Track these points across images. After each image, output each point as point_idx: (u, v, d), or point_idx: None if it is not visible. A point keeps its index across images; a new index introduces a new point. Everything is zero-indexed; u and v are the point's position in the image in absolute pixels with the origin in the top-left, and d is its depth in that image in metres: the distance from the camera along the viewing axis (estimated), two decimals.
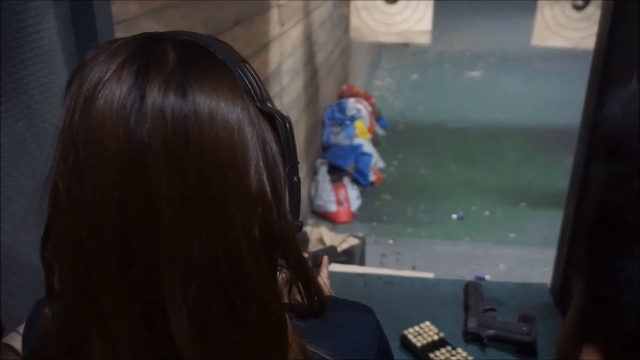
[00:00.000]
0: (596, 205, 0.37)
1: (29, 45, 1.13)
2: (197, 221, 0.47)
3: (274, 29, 2.84)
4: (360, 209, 4.05)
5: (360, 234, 2.86)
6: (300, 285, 0.57)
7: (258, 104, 0.51)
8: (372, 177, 4.36)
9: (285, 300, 0.58)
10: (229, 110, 0.48)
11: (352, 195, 4.04)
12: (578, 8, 3.30)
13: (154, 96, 0.46)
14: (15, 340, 1.03)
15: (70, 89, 0.49)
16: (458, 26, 9.27)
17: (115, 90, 0.46)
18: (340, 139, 4.41)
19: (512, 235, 3.72)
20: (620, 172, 0.35)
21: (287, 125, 0.53)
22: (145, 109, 0.45)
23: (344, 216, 3.90)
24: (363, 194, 4.18)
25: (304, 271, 0.56)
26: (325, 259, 1.05)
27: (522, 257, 3.44)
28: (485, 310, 1.39)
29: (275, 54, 2.87)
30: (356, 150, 4.30)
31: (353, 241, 2.26)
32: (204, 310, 0.48)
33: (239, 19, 2.27)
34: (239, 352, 0.50)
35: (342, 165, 4.12)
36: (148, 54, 0.48)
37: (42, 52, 1.16)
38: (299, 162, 0.55)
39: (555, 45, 3.46)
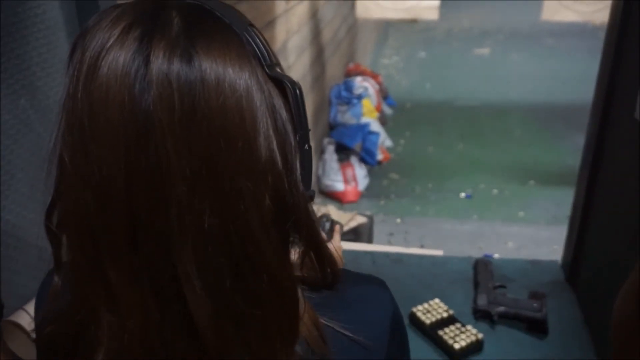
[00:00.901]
0: None
1: (30, 20, 1.11)
2: (207, 192, 0.45)
3: (280, 5, 2.80)
4: (368, 188, 4.03)
5: (368, 213, 2.84)
6: (313, 257, 0.55)
7: (266, 70, 0.49)
8: (380, 156, 4.34)
9: (298, 273, 0.57)
10: (237, 76, 0.46)
11: (360, 174, 4.01)
12: None
13: (159, 62, 0.44)
14: (21, 318, 1.02)
15: (73, 57, 0.48)
16: (466, 3, 9.15)
17: (118, 57, 0.44)
18: (347, 117, 4.37)
19: (520, 213, 3.70)
20: None
21: (297, 91, 0.51)
22: (150, 75, 0.44)
23: (351, 195, 3.89)
24: (370, 173, 4.16)
25: (317, 242, 0.55)
26: (338, 227, 1.03)
27: (530, 235, 3.42)
28: (495, 288, 1.38)
29: (281, 31, 2.84)
30: (363, 129, 4.27)
31: (361, 219, 2.25)
32: (218, 283, 0.47)
33: None
34: (251, 324, 0.49)
35: (349, 144, 4.09)
36: (152, 19, 0.46)
37: (44, 27, 1.14)
38: (309, 130, 0.53)
39: (566, 20, 3.40)
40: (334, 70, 4.50)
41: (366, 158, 4.21)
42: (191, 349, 0.48)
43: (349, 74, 4.99)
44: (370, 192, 3.99)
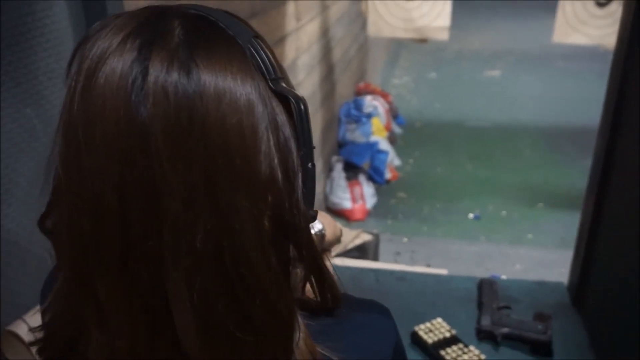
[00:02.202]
0: None
1: (39, 30, 1.12)
2: (202, 210, 0.43)
3: (290, 23, 2.82)
4: (376, 206, 4.01)
5: (374, 231, 2.82)
6: (313, 280, 0.53)
7: (270, 84, 0.48)
8: (388, 175, 4.33)
9: (298, 296, 0.54)
10: (238, 91, 0.44)
11: (368, 192, 4.00)
12: (600, 4, 3.23)
13: (156, 73, 0.42)
14: (20, 328, 1.02)
15: (72, 66, 0.47)
16: (477, 25, 9.18)
17: (116, 67, 0.43)
18: (356, 136, 4.37)
19: (529, 235, 3.66)
20: None
21: (302, 107, 0.49)
22: (147, 87, 0.42)
23: (359, 213, 3.87)
24: (378, 192, 4.14)
25: (317, 264, 0.53)
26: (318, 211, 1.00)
27: (539, 257, 3.39)
28: (500, 308, 1.35)
29: (291, 49, 2.85)
30: (372, 147, 4.26)
31: (366, 237, 2.23)
32: (209, 306, 0.45)
33: (253, 11, 2.25)
34: (243, 351, 0.47)
35: (357, 163, 4.08)
36: (153, 28, 0.45)
37: (52, 38, 1.15)
38: (314, 147, 0.51)
39: (577, 43, 3.40)
40: (343, 88, 4.52)
41: (374, 177, 4.20)
42: None
43: (359, 93, 5.00)
44: (377, 211, 3.97)
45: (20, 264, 1.06)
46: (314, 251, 0.52)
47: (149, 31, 0.45)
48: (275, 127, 0.47)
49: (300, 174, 0.49)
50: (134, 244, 0.44)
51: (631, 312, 1.12)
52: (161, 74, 0.42)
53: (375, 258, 2.38)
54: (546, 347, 1.25)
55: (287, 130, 0.48)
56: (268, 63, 0.48)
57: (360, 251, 2.21)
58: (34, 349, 0.56)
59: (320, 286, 0.54)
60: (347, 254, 2.07)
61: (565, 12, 3.30)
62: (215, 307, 0.45)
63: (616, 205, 1.29)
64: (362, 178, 4.03)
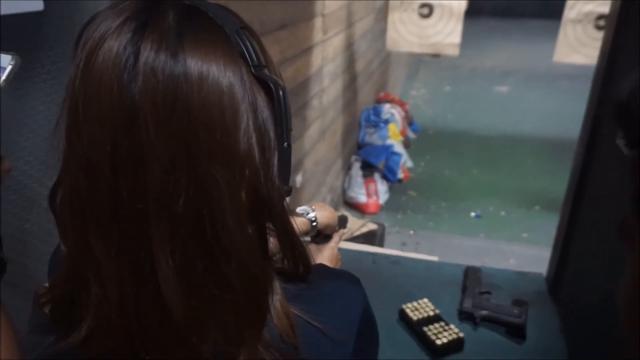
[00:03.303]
0: None
1: (72, 37, 1.13)
2: (183, 177, 0.43)
3: (317, 35, 2.81)
4: (388, 202, 3.99)
5: (381, 222, 2.81)
6: (284, 247, 0.53)
7: (253, 70, 0.47)
8: (401, 175, 4.29)
9: (279, 265, 0.54)
10: (220, 74, 0.44)
11: (381, 189, 3.98)
12: (599, 28, 3.14)
13: (147, 54, 0.42)
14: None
15: (79, 45, 0.47)
16: (490, 45, 9.04)
17: (112, 47, 0.43)
18: (374, 139, 4.35)
19: (524, 234, 3.59)
20: None
21: (281, 92, 0.49)
22: (138, 66, 0.42)
23: (372, 207, 3.85)
24: (391, 189, 4.11)
25: (288, 235, 0.52)
26: (341, 231, 1.00)
27: (532, 254, 3.32)
28: (481, 293, 1.33)
29: (317, 58, 2.84)
30: (387, 149, 4.23)
31: (372, 226, 2.21)
32: (189, 265, 0.45)
33: (284, 23, 2.25)
34: (220, 307, 0.47)
35: (373, 162, 4.06)
36: (149, 14, 0.45)
37: None
38: (291, 129, 0.50)
39: (576, 62, 3.31)
40: (365, 96, 4.49)
41: (388, 175, 4.17)
42: (163, 323, 0.46)
43: (379, 101, 4.97)
44: (389, 206, 3.95)
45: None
46: (286, 223, 0.51)
47: (144, 16, 0.45)
48: (254, 108, 0.47)
49: (276, 152, 0.49)
50: (124, 205, 0.44)
51: (599, 305, 1.09)
52: (151, 56, 0.43)
53: (380, 246, 2.37)
54: (520, 330, 1.22)
55: (265, 113, 0.48)
56: (252, 51, 0.47)
57: (366, 238, 2.19)
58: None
59: (291, 254, 0.53)
60: (354, 239, 2.06)
61: (566, 34, 3.22)
62: (195, 267, 0.45)
63: (591, 207, 1.26)
64: (377, 176, 4.00)
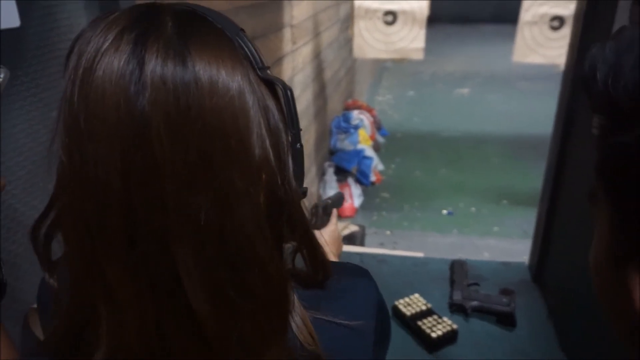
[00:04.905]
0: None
1: (63, 43, 1.10)
2: (202, 190, 0.41)
3: (287, 46, 2.81)
4: (362, 205, 3.99)
5: (361, 224, 2.80)
6: (306, 253, 0.50)
7: (258, 72, 0.45)
8: (373, 178, 4.31)
9: (289, 267, 0.52)
10: (230, 78, 0.42)
11: (355, 193, 3.98)
12: (554, 29, 3.23)
13: (153, 64, 0.40)
14: None
15: (70, 62, 0.43)
16: (449, 50, 9.19)
17: (113, 59, 0.40)
18: (346, 144, 4.36)
19: (495, 228, 3.64)
20: None
21: (289, 92, 0.47)
22: (144, 77, 0.39)
23: (348, 211, 3.85)
24: (365, 192, 4.12)
25: (309, 238, 0.50)
26: (334, 211, 0.98)
27: (504, 247, 3.37)
28: (469, 285, 1.33)
29: (287, 68, 2.84)
30: (359, 154, 4.25)
31: (354, 228, 2.21)
32: (214, 277, 0.42)
33: (254, 34, 2.23)
34: (244, 318, 0.44)
35: (347, 167, 4.07)
36: (146, 23, 0.42)
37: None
38: (301, 130, 0.49)
39: (534, 62, 3.39)
40: (334, 104, 4.50)
41: (361, 179, 4.18)
42: (191, 341, 0.43)
43: (348, 108, 4.98)
44: (364, 208, 3.95)
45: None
46: (306, 225, 0.49)
47: (142, 25, 0.42)
48: (265, 111, 0.45)
49: (290, 154, 0.47)
50: (140, 225, 0.41)
51: (582, 288, 1.10)
52: (158, 64, 0.40)
53: (361, 246, 2.36)
54: (510, 318, 1.23)
55: (276, 114, 0.46)
56: (255, 53, 0.46)
57: (349, 240, 2.18)
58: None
59: (312, 258, 0.51)
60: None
61: (524, 35, 3.30)
62: (219, 278, 0.43)
63: (568, 196, 1.28)
64: (350, 180, 4.01)
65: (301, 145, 0.48)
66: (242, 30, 0.47)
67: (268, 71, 0.47)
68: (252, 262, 0.44)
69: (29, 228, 0.50)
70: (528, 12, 3.22)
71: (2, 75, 0.54)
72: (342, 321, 0.50)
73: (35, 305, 0.99)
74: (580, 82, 0.37)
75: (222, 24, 0.45)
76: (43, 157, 1.04)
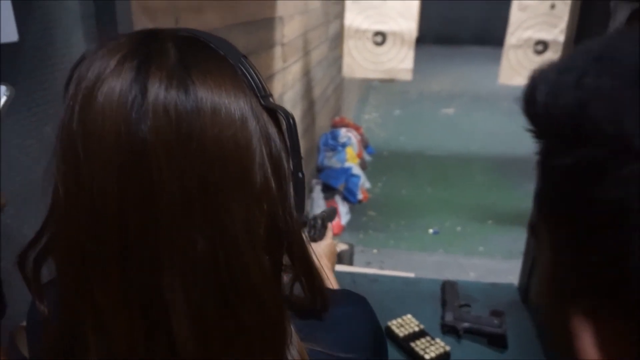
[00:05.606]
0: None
1: (59, 58, 1.10)
2: (198, 219, 0.40)
3: (278, 63, 2.83)
4: (349, 223, 3.99)
5: (350, 242, 2.80)
6: (305, 283, 0.49)
7: (261, 100, 0.44)
8: (360, 196, 4.32)
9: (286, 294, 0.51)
10: (232, 106, 0.41)
11: (342, 211, 3.98)
12: (538, 52, 3.30)
13: (156, 91, 0.39)
14: None
15: (69, 87, 0.43)
16: (434, 71, 9.32)
17: (115, 86, 0.40)
18: (333, 162, 4.37)
19: (480, 248, 3.67)
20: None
21: (291, 120, 0.46)
22: (146, 105, 0.39)
23: (335, 229, 3.81)
24: (352, 210, 4.13)
25: (309, 266, 0.49)
26: (330, 224, 0.97)
27: (489, 266, 3.39)
28: (461, 306, 1.33)
29: (278, 85, 2.85)
30: (346, 172, 4.26)
31: (343, 247, 2.21)
32: (203, 309, 0.41)
33: (246, 52, 2.23)
34: (236, 353, 0.43)
35: (334, 185, 4.08)
36: (148, 50, 0.42)
37: (70, 65, 1.12)
38: (302, 158, 0.48)
39: (519, 84, 3.45)
40: (322, 121, 4.52)
41: (348, 197, 4.19)
42: None
43: (335, 125, 5.01)
44: (351, 227, 3.95)
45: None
46: (306, 255, 0.48)
47: (144, 52, 0.41)
48: (267, 139, 0.44)
49: (291, 183, 0.47)
50: (133, 251, 0.40)
51: None
52: (161, 92, 0.39)
53: (350, 264, 2.36)
54: (502, 339, 1.23)
55: (278, 142, 0.45)
56: (258, 80, 0.45)
57: (337, 259, 2.18)
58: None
59: (311, 287, 0.50)
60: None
61: (509, 58, 3.36)
62: (209, 310, 0.42)
63: None
64: (337, 198, 4.02)
65: (303, 175, 0.48)
66: (245, 56, 0.46)
67: (270, 99, 0.46)
68: (246, 294, 0.42)
69: (18, 251, 0.49)
70: (513, 36, 3.29)
71: (8, 93, 0.54)
72: (339, 354, 0.49)
73: (23, 324, 0.97)
74: (521, 105, 0.35)
75: (225, 51, 0.45)
76: (35, 172, 1.03)
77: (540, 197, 0.35)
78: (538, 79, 0.34)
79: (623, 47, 0.31)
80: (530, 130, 0.34)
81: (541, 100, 0.33)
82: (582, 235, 0.32)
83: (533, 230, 0.37)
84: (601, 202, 0.29)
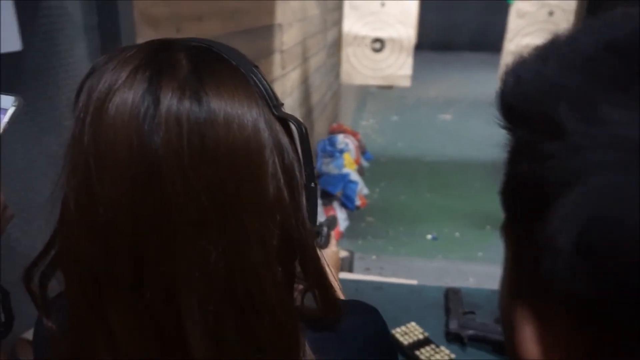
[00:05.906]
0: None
1: (62, 68, 1.09)
2: (213, 232, 0.39)
3: (277, 70, 2.83)
4: (348, 229, 3.98)
5: (350, 249, 2.80)
6: (317, 295, 0.48)
7: (273, 110, 0.44)
8: (358, 202, 4.31)
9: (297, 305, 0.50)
10: (245, 117, 0.41)
11: (341, 217, 3.97)
12: None
13: (168, 103, 0.39)
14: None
15: (80, 99, 0.42)
16: (432, 77, 9.35)
17: (127, 98, 0.39)
18: (331, 168, 4.36)
19: (479, 253, 3.66)
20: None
21: (304, 130, 0.46)
22: (159, 116, 0.38)
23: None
24: (350, 217, 4.12)
25: (322, 278, 0.48)
26: (333, 232, 0.97)
27: (488, 272, 3.37)
28: (465, 313, 1.33)
29: (277, 92, 2.85)
30: (344, 178, 4.26)
31: (343, 254, 2.20)
32: (220, 324, 0.41)
33: None
34: None
35: (332, 191, 4.07)
36: (160, 61, 0.41)
37: (74, 74, 1.12)
38: (314, 168, 0.48)
39: None
40: (320, 128, 4.53)
41: (346, 203, 4.18)
42: None
43: (333, 132, 5.01)
44: (349, 233, 3.95)
45: None
46: (319, 266, 0.48)
47: (156, 63, 0.41)
48: (280, 149, 0.44)
49: (304, 193, 0.46)
50: (147, 269, 0.40)
51: None
52: (173, 103, 0.39)
53: (350, 271, 2.35)
54: None
55: (290, 152, 0.45)
56: (269, 90, 0.45)
57: None
58: None
59: (324, 298, 0.49)
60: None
61: (507, 64, 3.37)
62: (226, 325, 0.41)
63: None
64: (335, 204, 4.01)
65: (315, 184, 0.47)
66: (256, 66, 0.46)
67: (282, 109, 0.46)
68: (261, 307, 0.42)
69: (21, 263, 0.49)
70: (511, 43, 3.30)
71: (16, 104, 0.54)
72: None
73: (24, 336, 0.96)
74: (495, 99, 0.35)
75: (236, 60, 0.45)
76: (37, 182, 1.03)
77: (503, 194, 0.35)
78: (507, 72, 0.34)
79: (579, 36, 0.30)
80: (501, 125, 0.34)
81: (507, 91, 0.33)
82: (517, 227, 0.32)
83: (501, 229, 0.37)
84: (525, 184, 0.29)
